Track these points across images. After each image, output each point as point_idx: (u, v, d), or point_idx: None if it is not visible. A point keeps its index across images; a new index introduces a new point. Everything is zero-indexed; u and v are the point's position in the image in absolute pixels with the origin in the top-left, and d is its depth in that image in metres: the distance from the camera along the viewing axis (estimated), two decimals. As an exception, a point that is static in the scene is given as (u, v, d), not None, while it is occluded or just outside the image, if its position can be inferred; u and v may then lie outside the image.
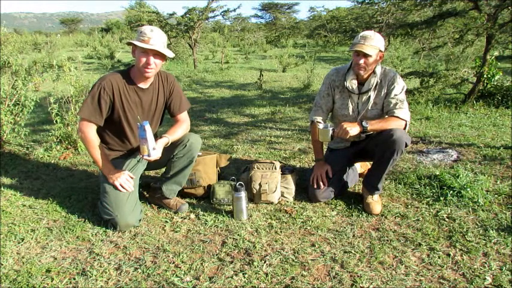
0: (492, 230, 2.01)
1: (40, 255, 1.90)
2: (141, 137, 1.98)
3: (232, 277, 1.70)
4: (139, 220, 2.16)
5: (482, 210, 2.23)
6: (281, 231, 2.08)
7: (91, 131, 2.14)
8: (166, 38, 2.12)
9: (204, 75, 8.77)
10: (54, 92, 3.44)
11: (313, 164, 2.71)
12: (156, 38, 2.03)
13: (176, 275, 1.72)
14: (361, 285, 1.63)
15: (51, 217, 2.28)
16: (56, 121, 3.34)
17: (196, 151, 2.29)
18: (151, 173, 2.93)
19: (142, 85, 2.20)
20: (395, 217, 2.21)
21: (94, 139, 2.15)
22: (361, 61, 2.20)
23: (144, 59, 2.05)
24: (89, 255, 1.89)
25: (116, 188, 2.12)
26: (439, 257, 1.81)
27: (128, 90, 2.17)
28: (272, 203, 2.39)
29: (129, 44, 2.10)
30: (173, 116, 2.36)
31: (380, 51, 2.22)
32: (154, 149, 2.02)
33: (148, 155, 2.01)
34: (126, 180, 2.15)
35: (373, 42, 2.17)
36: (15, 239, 2.04)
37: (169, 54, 2.11)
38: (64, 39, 22.41)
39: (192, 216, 2.27)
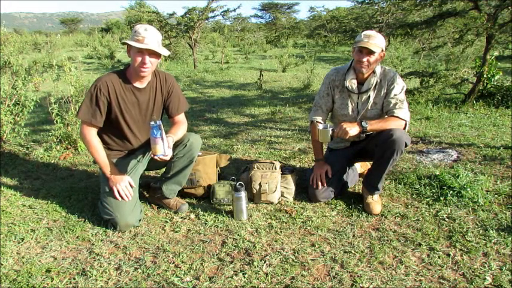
0: (492, 230, 2.01)
1: (40, 255, 1.90)
2: (155, 136, 1.96)
3: (232, 277, 1.70)
4: (139, 220, 2.16)
5: (482, 210, 2.23)
6: (281, 231, 2.08)
7: (92, 133, 2.16)
8: (161, 37, 2.11)
9: (204, 75, 8.77)
10: (54, 92, 3.44)
11: (313, 164, 2.71)
12: (150, 37, 2.02)
13: (176, 275, 1.72)
14: (361, 285, 1.63)
15: (51, 217, 2.28)
16: (56, 121, 3.34)
17: (196, 151, 2.29)
18: (152, 173, 2.93)
19: (138, 84, 2.20)
20: (395, 217, 2.21)
21: (96, 141, 2.16)
22: (365, 59, 2.20)
23: (139, 59, 2.04)
24: (89, 255, 1.89)
25: (113, 193, 2.11)
26: (439, 257, 1.81)
27: (124, 90, 2.17)
28: (272, 203, 2.39)
29: (124, 43, 2.10)
30: (171, 117, 2.36)
31: (382, 50, 2.22)
32: (169, 148, 2.02)
33: (164, 154, 2.00)
34: (126, 188, 2.14)
35: (377, 41, 2.18)
36: (15, 239, 2.04)
37: (165, 52, 2.11)
38: (64, 39, 22.39)
39: (192, 216, 2.27)
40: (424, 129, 3.99)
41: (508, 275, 1.67)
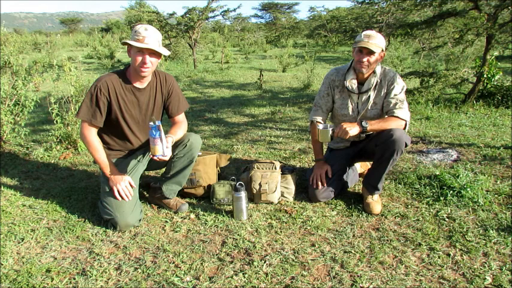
0: (492, 230, 2.01)
1: (40, 255, 1.90)
2: (154, 137, 1.95)
3: (232, 277, 1.70)
4: (139, 220, 2.16)
5: (482, 210, 2.23)
6: (281, 231, 2.08)
7: (92, 133, 2.16)
8: (161, 36, 2.11)
9: (204, 75, 8.77)
10: (54, 92, 3.44)
11: (313, 164, 2.71)
12: (151, 37, 2.02)
13: (176, 275, 1.73)
14: (361, 285, 1.63)
15: (51, 217, 2.28)
16: (56, 121, 3.34)
17: (196, 151, 2.29)
18: (152, 173, 2.93)
19: (138, 85, 2.19)
20: (395, 217, 2.21)
21: (96, 141, 2.16)
22: (365, 59, 2.20)
23: (139, 58, 2.04)
24: (89, 255, 1.89)
25: (113, 193, 2.12)
26: (439, 257, 1.81)
27: (124, 90, 2.17)
28: (272, 203, 2.39)
29: (124, 43, 2.10)
30: (171, 117, 2.36)
31: (382, 50, 2.22)
32: (167, 148, 2.02)
33: (163, 155, 2.01)
34: (126, 188, 2.14)
35: (377, 41, 2.18)
36: (15, 239, 2.04)
37: (165, 52, 2.11)
38: (64, 39, 22.40)
39: (192, 216, 2.27)
40: (424, 129, 3.99)
41: (508, 275, 1.67)
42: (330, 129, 2.22)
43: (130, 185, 2.17)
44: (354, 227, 2.11)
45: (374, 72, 2.32)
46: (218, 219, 2.21)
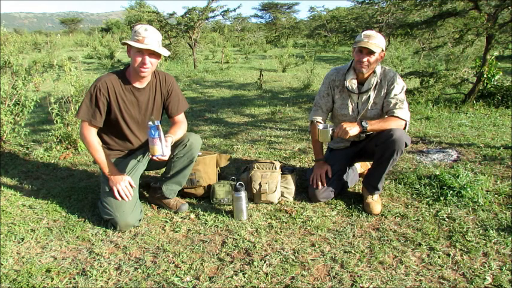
0: (492, 230, 2.01)
1: (40, 255, 1.90)
2: (153, 137, 1.95)
3: (232, 277, 1.70)
4: (139, 220, 2.16)
5: (482, 210, 2.23)
6: (281, 231, 2.08)
7: (92, 133, 2.16)
8: (161, 37, 2.11)
9: (204, 75, 8.77)
10: (54, 92, 3.44)
11: (313, 164, 2.71)
12: (150, 37, 2.02)
13: (176, 275, 1.73)
14: (361, 285, 1.63)
15: (51, 217, 2.28)
16: (56, 121, 3.34)
17: (196, 151, 2.29)
18: (152, 173, 2.93)
19: (138, 85, 2.19)
20: (395, 217, 2.21)
21: (95, 141, 2.16)
22: (365, 59, 2.20)
23: (139, 59, 2.04)
24: (89, 255, 1.89)
25: (113, 193, 2.12)
26: (439, 257, 1.81)
27: (123, 91, 2.17)
28: (272, 203, 2.39)
29: (123, 43, 2.10)
30: (170, 117, 2.36)
31: (382, 50, 2.22)
32: (166, 147, 2.02)
33: (162, 154, 2.01)
34: (126, 188, 2.14)
35: (377, 41, 2.18)
36: (15, 239, 2.04)
37: (165, 52, 2.11)
38: (64, 39, 22.41)
39: (192, 216, 2.27)
40: (424, 129, 3.99)
41: (508, 275, 1.67)
42: (330, 129, 2.23)
43: (130, 185, 2.17)
44: (354, 227, 2.11)
45: (374, 72, 2.32)
46: (218, 219, 2.21)
